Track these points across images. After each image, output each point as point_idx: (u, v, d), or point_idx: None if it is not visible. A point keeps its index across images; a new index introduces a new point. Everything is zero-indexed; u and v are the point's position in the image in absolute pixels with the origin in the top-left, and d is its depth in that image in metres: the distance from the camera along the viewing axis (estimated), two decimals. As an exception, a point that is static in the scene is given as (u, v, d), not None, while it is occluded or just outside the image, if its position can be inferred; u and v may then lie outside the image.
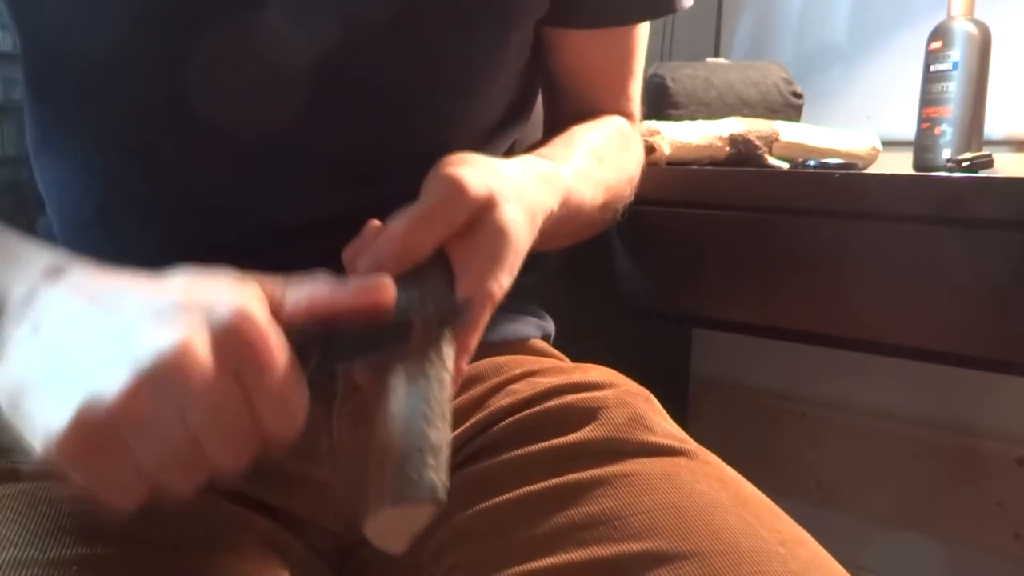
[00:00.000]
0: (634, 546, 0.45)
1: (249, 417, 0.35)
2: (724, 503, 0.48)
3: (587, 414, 0.53)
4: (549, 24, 0.62)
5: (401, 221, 0.44)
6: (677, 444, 0.52)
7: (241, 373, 0.35)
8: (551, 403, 0.54)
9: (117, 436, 0.33)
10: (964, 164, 0.85)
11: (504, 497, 0.50)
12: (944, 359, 0.72)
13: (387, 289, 0.39)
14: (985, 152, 0.88)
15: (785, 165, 0.93)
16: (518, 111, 0.65)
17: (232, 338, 0.35)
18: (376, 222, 0.47)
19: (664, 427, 0.53)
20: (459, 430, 0.54)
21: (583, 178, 0.56)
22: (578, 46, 0.65)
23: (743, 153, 0.92)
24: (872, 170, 0.97)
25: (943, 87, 0.94)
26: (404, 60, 0.55)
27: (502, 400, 0.55)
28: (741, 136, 0.92)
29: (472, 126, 0.60)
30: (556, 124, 0.65)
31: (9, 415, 0.36)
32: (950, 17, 0.94)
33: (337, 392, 0.54)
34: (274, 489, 0.52)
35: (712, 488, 0.49)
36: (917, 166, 0.97)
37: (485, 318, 0.45)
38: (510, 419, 0.54)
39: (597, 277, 0.92)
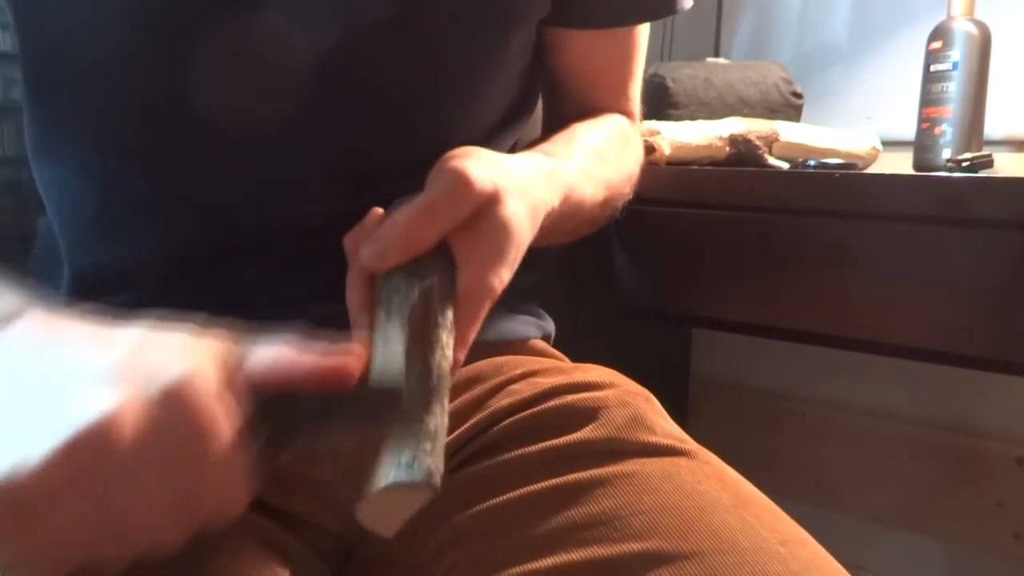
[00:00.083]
0: (634, 546, 0.45)
1: (179, 500, 0.33)
2: (724, 503, 0.48)
3: (587, 414, 0.53)
4: (550, 24, 0.62)
5: (405, 212, 0.44)
6: (677, 444, 0.52)
7: (173, 452, 0.33)
8: (551, 403, 0.54)
9: (31, 511, 0.31)
10: (964, 164, 0.85)
11: (504, 497, 0.50)
12: (944, 359, 0.72)
13: (356, 359, 0.37)
14: (985, 152, 0.88)
15: (785, 165, 0.93)
16: (519, 111, 0.65)
17: (168, 413, 0.32)
18: (379, 210, 0.47)
19: (664, 427, 0.53)
20: (459, 430, 0.54)
21: (584, 176, 0.56)
22: (579, 46, 0.65)
23: (743, 153, 0.92)
24: (872, 170, 0.97)
25: (943, 87, 0.94)
26: (404, 60, 0.55)
27: (502, 400, 0.55)
28: (741, 136, 0.92)
29: (473, 126, 0.60)
30: (556, 123, 0.65)
31: None
32: (950, 17, 0.94)
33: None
34: (274, 489, 0.52)
35: (712, 488, 0.49)
36: (917, 166, 0.97)
37: (484, 311, 0.45)
38: (510, 419, 0.54)
39: (597, 277, 0.92)
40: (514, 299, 0.65)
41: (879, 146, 0.99)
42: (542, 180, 0.50)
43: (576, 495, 0.48)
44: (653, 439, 0.52)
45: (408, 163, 0.55)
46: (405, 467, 0.36)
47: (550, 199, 0.50)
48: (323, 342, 0.37)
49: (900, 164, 0.99)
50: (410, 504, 0.37)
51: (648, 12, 0.66)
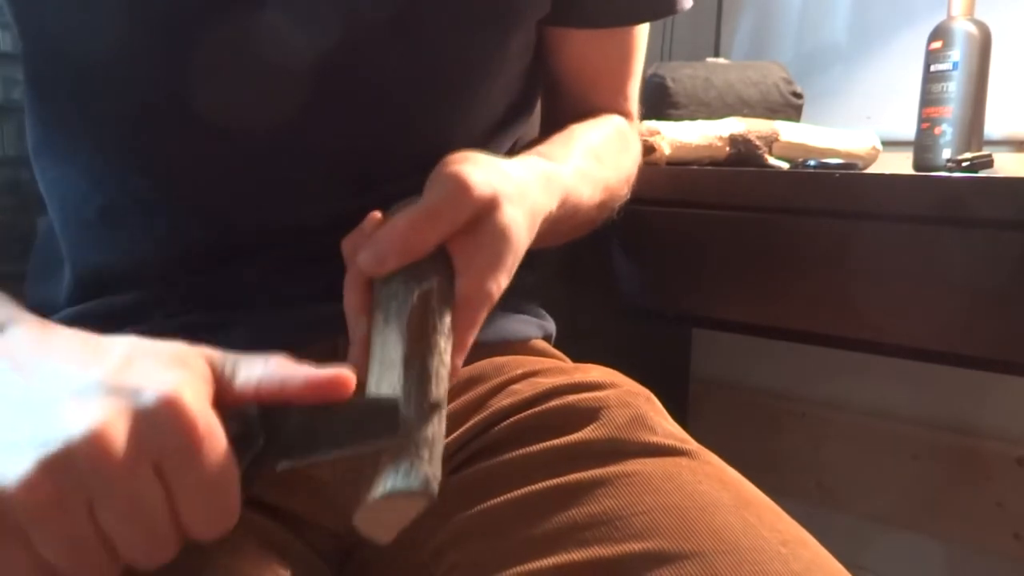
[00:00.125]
0: (635, 546, 0.45)
1: (168, 514, 0.32)
2: (725, 503, 0.48)
3: (588, 414, 0.53)
4: (550, 24, 0.62)
5: (404, 216, 0.44)
6: (678, 444, 0.52)
7: (163, 465, 0.32)
8: (552, 403, 0.54)
9: (15, 527, 0.31)
10: (964, 164, 0.85)
11: (505, 497, 0.50)
12: (944, 359, 0.72)
13: (346, 384, 0.36)
14: (985, 152, 0.88)
15: (785, 165, 0.93)
16: (519, 111, 0.65)
17: (156, 426, 0.32)
18: (377, 214, 0.47)
19: (665, 427, 0.53)
20: (460, 430, 0.54)
21: (581, 178, 0.56)
22: (578, 46, 0.65)
23: (743, 153, 0.92)
24: (872, 170, 0.97)
25: (943, 87, 0.94)
26: (404, 60, 0.55)
27: (503, 400, 0.55)
28: (741, 136, 0.92)
29: (473, 126, 0.60)
30: (554, 123, 0.65)
31: None
32: (950, 17, 0.94)
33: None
34: (274, 489, 0.52)
35: (713, 488, 0.49)
36: (917, 166, 0.97)
37: (482, 317, 0.45)
38: (511, 419, 0.54)
39: (597, 277, 0.92)
40: (514, 299, 0.65)
41: (879, 146, 0.99)
42: (540, 184, 0.50)
43: (577, 495, 0.48)
44: (654, 439, 0.52)
45: (408, 163, 0.55)
46: (403, 475, 0.35)
47: (548, 203, 0.50)
48: (313, 369, 0.37)
49: (900, 164, 0.99)
50: (407, 511, 0.37)
51: (648, 12, 0.66)
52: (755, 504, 0.49)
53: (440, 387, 0.40)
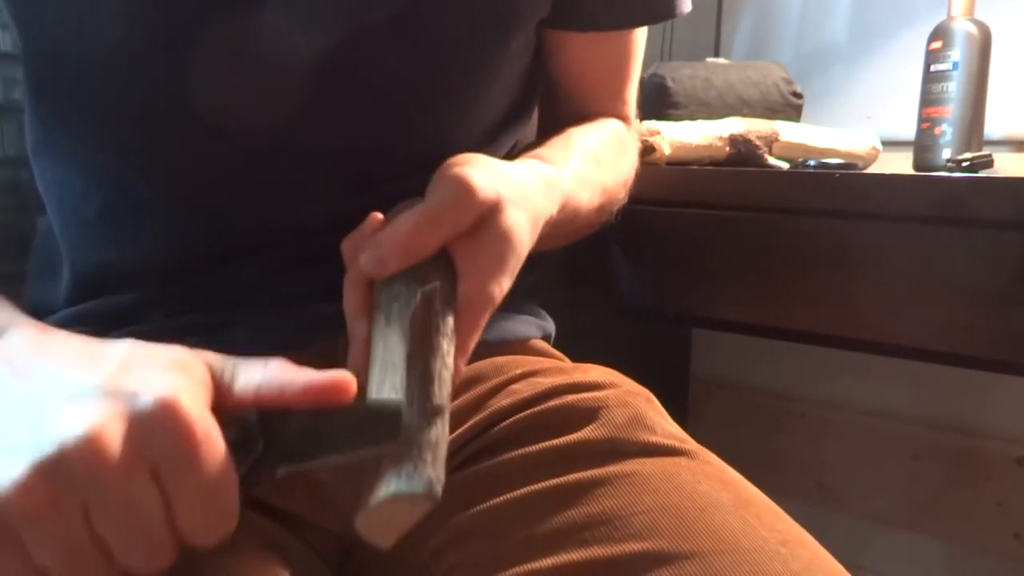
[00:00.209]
0: (635, 546, 0.45)
1: (165, 519, 0.32)
2: (725, 503, 0.48)
3: (588, 414, 0.53)
4: (549, 26, 0.62)
5: (407, 219, 0.44)
6: (678, 444, 0.52)
7: (160, 469, 0.32)
8: (551, 403, 0.54)
9: (9, 531, 0.30)
10: (964, 164, 0.85)
11: (505, 497, 0.50)
12: (944, 359, 0.72)
13: (347, 388, 0.36)
14: (985, 152, 0.89)
15: (785, 165, 0.93)
16: (519, 112, 0.65)
17: (153, 430, 0.32)
18: (378, 215, 0.47)
19: (665, 427, 0.53)
20: (459, 430, 0.54)
21: (581, 182, 0.56)
22: (577, 49, 0.65)
23: (743, 153, 0.92)
24: (872, 170, 0.97)
25: (943, 87, 0.94)
26: (404, 60, 0.55)
27: (502, 400, 0.55)
28: (741, 136, 0.92)
29: (473, 127, 0.60)
30: (552, 125, 0.65)
31: None
32: (950, 17, 0.94)
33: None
34: (274, 489, 0.52)
35: (713, 488, 0.49)
36: (917, 166, 0.97)
37: (484, 320, 0.45)
38: (510, 419, 0.54)
39: (597, 277, 0.92)
40: (514, 299, 0.65)
41: (879, 146, 1.00)
42: (542, 188, 0.50)
43: (576, 495, 0.48)
44: (653, 439, 0.52)
45: (408, 163, 0.55)
46: (406, 478, 0.35)
47: (549, 207, 0.51)
48: (314, 373, 0.36)
49: (900, 164, 0.99)
50: (409, 515, 0.36)
51: (647, 15, 0.66)
52: (754, 504, 0.49)
53: (443, 390, 0.39)
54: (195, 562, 0.45)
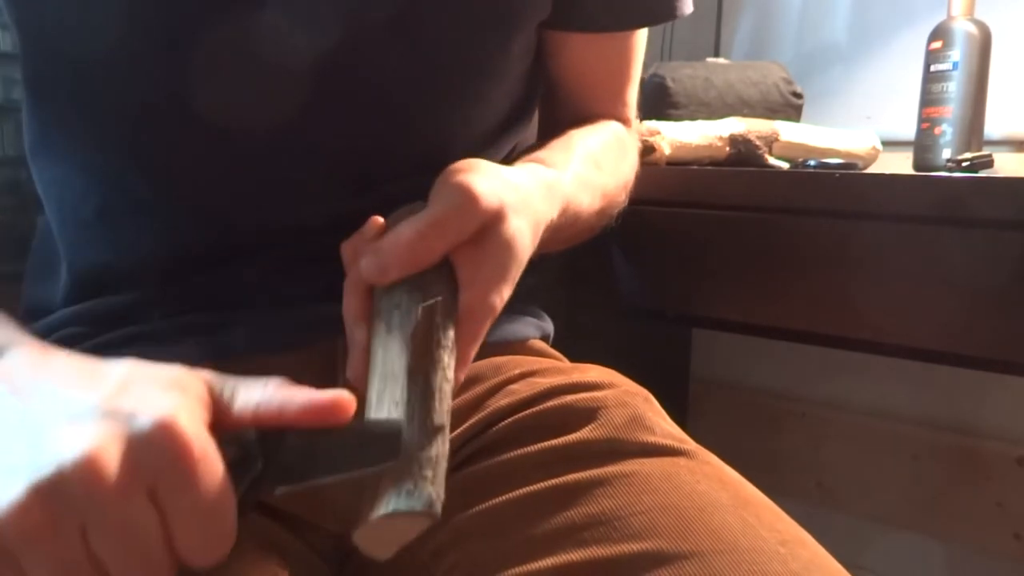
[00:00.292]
0: (634, 546, 0.45)
1: (163, 540, 0.32)
2: (724, 503, 0.48)
3: (586, 414, 0.53)
4: (549, 27, 0.62)
5: (410, 226, 0.44)
6: (677, 444, 0.52)
7: (158, 489, 0.32)
8: (550, 403, 0.54)
9: (6, 552, 0.30)
10: (964, 164, 0.85)
11: (504, 497, 0.50)
12: (944, 359, 0.72)
13: (346, 408, 0.36)
14: (985, 152, 0.88)
15: (785, 165, 0.93)
16: (519, 114, 0.65)
17: (150, 450, 0.31)
18: (379, 220, 0.47)
19: (664, 427, 0.53)
20: (458, 431, 0.54)
21: (581, 185, 0.56)
22: (577, 49, 0.65)
23: (743, 153, 0.92)
24: (872, 170, 0.97)
25: (943, 87, 0.94)
26: (404, 60, 0.55)
27: (501, 400, 0.55)
28: (741, 136, 0.92)
29: (474, 128, 0.60)
30: (552, 127, 0.65)
31: None
32: (950, 17, 0.94)
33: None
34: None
35: (712, 488, 0.49)
36: (917, 166, 0.97)
37: (485, 330, 0.45)
38: (509, 419, 0.54)
39: (597, 277, 0.92)
40: (514, 300, 0.65)
41: (879, 146, 1.00)
42: (543, 193, 0.50)
43: (575, 495, 0.48)
44: (652, 439, 0.52)
45: (408, 163, 0.55)
46: (406, 495, 0.35)
47: (550, 212, 0.51)
48: (312, 392, 0.36)
49: (900, 164, 0.99)
50: (409, 530, 0.36)
51: (648, 16, 0.66)
52: (754, 504, 0.49)
53: (443, 404, 0.39)
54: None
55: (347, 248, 0.46)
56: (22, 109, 0.59)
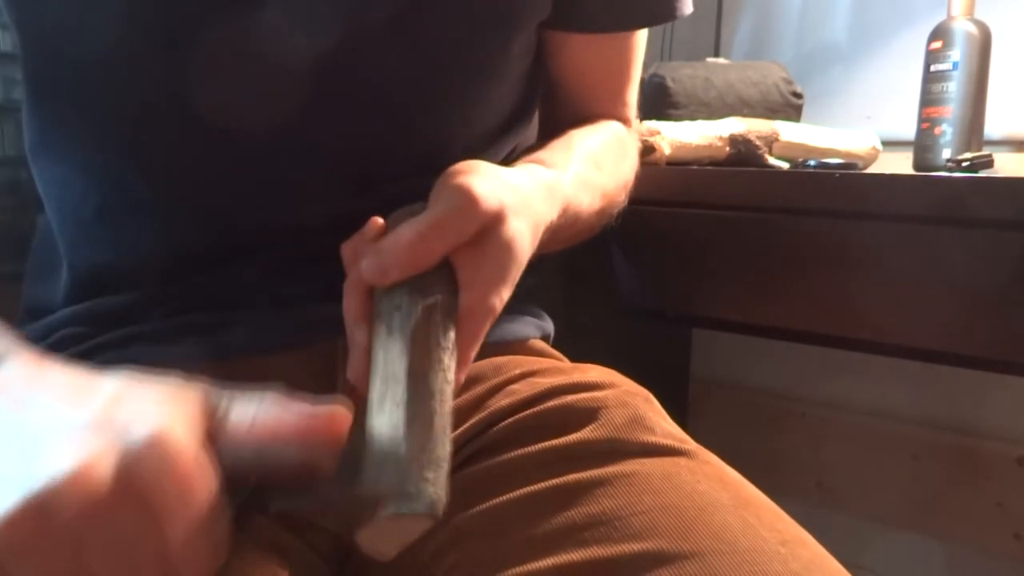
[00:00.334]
0: (634, 546, 0.45)
1: (155, 553, 0.32)
2: (724, 503, 0.48)
3: (587, 414, 0.53)
4: (550, 27, 0.62)
5: (410, 228, 0.43)
6: (677, 444, 0.52)
7: (150, 503, 0.31)
8: (551, 403, 0.54)
9: (1, 564, 0.30)
10: (964, 164, 0.85)
11: (504, 497, 0.50)
12: (944, 359, 0.72)
13: (342, 423, 0.35)
14: (985, 152, 0.89)
15: (785, 165, 0.93)
16: (520, 114, 0.65)
17: (143, 463, 0.31)
18: (379, 221, 0.47)
19: (664, 427, 0.53)
20: (459, 431, 0.54)
21: (581, 185, 0.56)
22: (577, 49, 0.65)
23: (743, 153, 0.92)
24: (872, 170, 0.97)
25: (943, 87, 0.94)
26: (404, 60, 0.55)
27: (502, 400, 0.55)
28: (741, 136, 0.92)
29: (474, 128, 0.60)
30: (552, 127, 0.65)
31: None
32: (950, 17, 0.94)
33: (337, 390, 0.54)
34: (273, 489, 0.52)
35: (713, 488, 0.49)
36: (917, 166, 0.97)
37: (485, 331, 0.45)
38: (510, 419, 0.54)
39: (597, 277, 0.92)
40: (513, 300, 0.65)
41: (879, 146, 1.00)
42: (543, 194, 0.50)
43: (576, 495, 0.48)
44: (653, 439, 0.52)
45: (408, 163, 0.55)
46: (408, 497, 0.35)
47: (550, 213, 0.51)
48: (306, 401, 0.36)
49: (900, 164, 0.99)
50: (411, 531, 0.37)
51: (648, 16, 0.66)
52: (754, 504, 0.49)
53: (444, 406, 0.39)
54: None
55: (347, 249, 0.46)
56: (22, 109, 0.59)
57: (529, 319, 0.65)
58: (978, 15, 0.94)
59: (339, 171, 0.56)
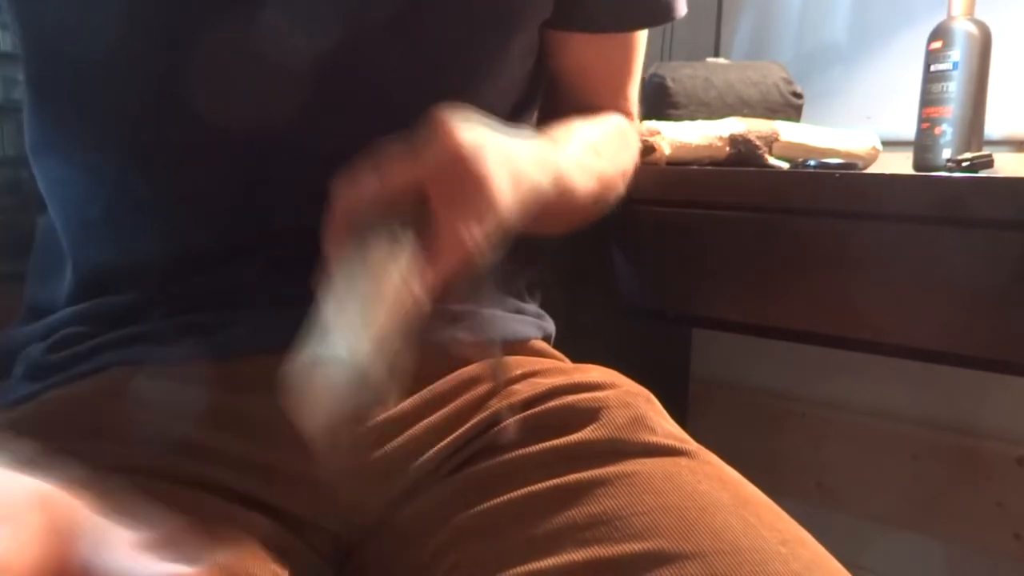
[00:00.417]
0: (635, 546, 0.45)
1: None
2: (725, 503, 0.48)
3: (588, 414, 0.53)
4: (551, 26, 0.62)
5: (386, 153, 0.44)
6: (678, 444, 0.52)
7: None
8: (552, 403, 0.54)
9: None
10: (964, 164, 0.85)
11: (505, 497, 0.50)
12: (944, 359, 0.72)
13: None
14: (985, 152, 0.88)
15: (785, 165, 0.93)
16: (521, 112, 0.65)
17: None
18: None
19: (665, 427, 0.53)
20: (460, 430, 0.54)
21: (577, 166, 0.57)
22: (579, 48, 0.65)
23: (743, 153, 0.92)
24: (872, 170, 0.97)
25: (943, 87, 0.94)
26: (404, 60, 0.55)
27: (503, 400, 0.55)
28: (741, 136, 0.92)
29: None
30: (554, 121, 0.65)
31: None
32: (950, 17, 0.94)
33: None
34: (274, 489, 0.52)
35: (713, 488, 0.49)
36: (917, 166, 0.97)
37: (455, 262, 0.45)
38: (511, 419, 0.54)
39: (597, 277, 0.92)
40: (514, 299, 0.65)
41: (879, 146, 0.99)
42: (531, 157, 0.51)
43: (577, 495, 0.48)
44: (654, 439, 0.52)
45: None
46: (331, 347, 0.36)
47: (537, 176, 0.50)
48: (187, 537, 0.31)
49: (900, 164, 0.99)
50: (337, 394, 0.36)
51: (647, 17, 0.67)
52: (755, 504, 0.49)
53: (391, 307, 0.41)
54: (195, 560, 0.45)
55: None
56: (24, 110, 0.59)
57: (530, 319, 0.65)
58: (978, 15, 0.94)
59: (339, 171, 0.56)
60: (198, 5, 0.52)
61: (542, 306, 0.68)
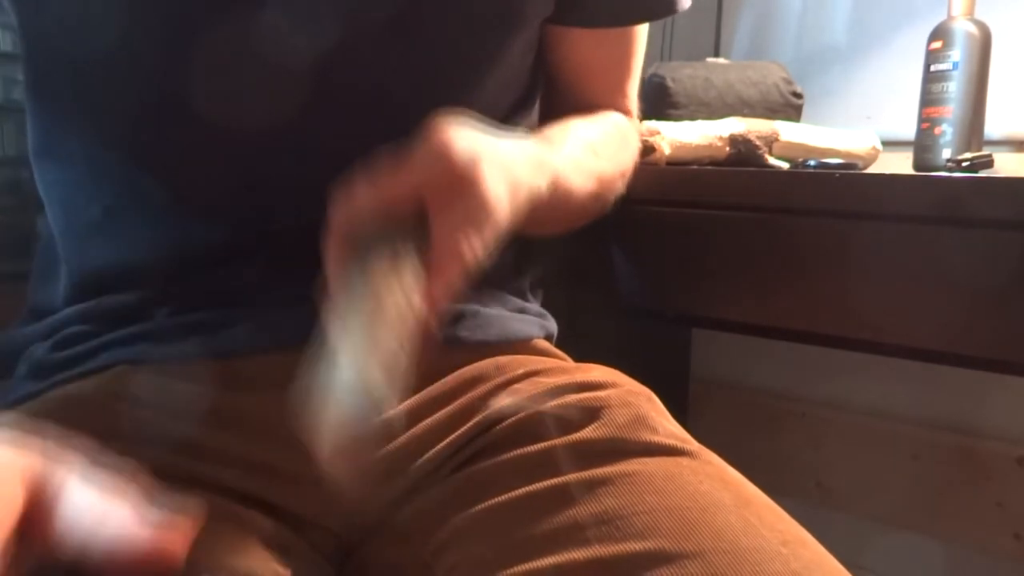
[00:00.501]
0: (636, 546, 0.45)
1: None
2: (726, 503, 0.48)
3: (589, 414, 0.53)
4: (551, 22, 0.62)
5: (383, 165, 0.44)
6: (680, 444, 0.52)
7: None
8: (554, 402, 0.54)
9: None
10: (964, 164, 0.85)
11: (506, 496, 0.50)
12: (944, 359, 0.72)
13: (175, 560, 0.31)
14: (985, 152, 0.88)
15: (785, 165, 0.93)
16: (520, 108, 0.65)
17: None
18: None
19: (666, 427, 0.53)
20: (461, 430, 0.54)
21: (574, 166, 0.57)
22: (578, 44, 0.65)
23: (743, 153, 0.92)
24: (872, 170, 0.97)
25: (943, 87, 0.94)
26: (404, 60, 0.55)
27: (505, 400, 0.55)
28: (741, 136, 0.92)
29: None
30: (553, 119, 0.65)
31: None
32: (950, 17, 0.94)
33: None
34: (275, 488, 0.52)
35: (714, 488, 0.49)
36: (917, 166, 0.97)
37: (455, 275, 0.45)
38: (512, 419, 0.54)
39: (597, 277, 0.92)
40: (515, 299, 0.65)
41: (879, 146, 0.99)
42: (528, 162, 0.51)
43: (577, 495, 0.48)
44: (655, 439, 0.52)
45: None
46: (338, 372, 0.37)
47: (534, 180, 0.50)
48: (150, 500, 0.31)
49: (900, 164, 0.99)
50: (349, 422, 0.37)
51: (647, 12, 0.66)
52: (755, 504, 0.49)
53: (395, 323, 0.41)
54: (195, 560, 0.45)
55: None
56: (25, 111, 0.59)
57: (532, 318, 0.65)
58: (978, 15, 0.94)
59: (339, 171, 0.56)
60: (198, 5, 0.52)
61: (543, 306, 0.68)
